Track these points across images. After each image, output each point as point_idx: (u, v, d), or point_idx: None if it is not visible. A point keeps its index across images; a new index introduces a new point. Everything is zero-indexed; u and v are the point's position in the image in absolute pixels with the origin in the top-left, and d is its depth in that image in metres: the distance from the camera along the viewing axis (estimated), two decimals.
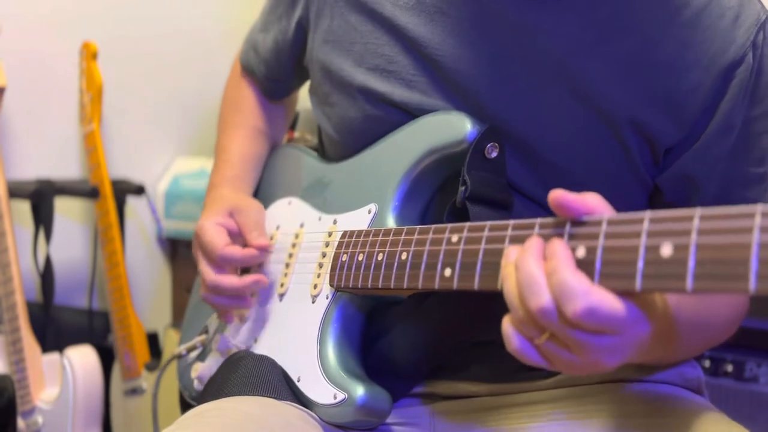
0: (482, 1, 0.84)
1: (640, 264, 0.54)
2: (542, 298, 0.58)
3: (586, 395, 0.87)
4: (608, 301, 0.56)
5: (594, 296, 0.56)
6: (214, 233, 0.95)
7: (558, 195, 0.61)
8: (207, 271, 0.94)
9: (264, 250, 0.95)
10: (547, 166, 0.84)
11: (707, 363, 1.46)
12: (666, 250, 0.53)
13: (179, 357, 1.06)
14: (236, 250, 0.94)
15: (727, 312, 0.83)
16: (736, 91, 0.80)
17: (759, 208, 0.49)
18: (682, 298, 0.70)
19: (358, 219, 0.88)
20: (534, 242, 0.61)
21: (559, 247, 0.59)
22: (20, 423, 1.60)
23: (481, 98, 0.84)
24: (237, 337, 0.96)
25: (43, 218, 1.70)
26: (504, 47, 0.83)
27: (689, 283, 0.51)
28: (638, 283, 0.55)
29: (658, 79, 0.81)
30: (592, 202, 0.61)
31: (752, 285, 0.48)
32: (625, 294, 0.57)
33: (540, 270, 0.59)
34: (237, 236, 0.97)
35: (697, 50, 0.80)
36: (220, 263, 0.94)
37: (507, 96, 0.83)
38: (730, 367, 1.44)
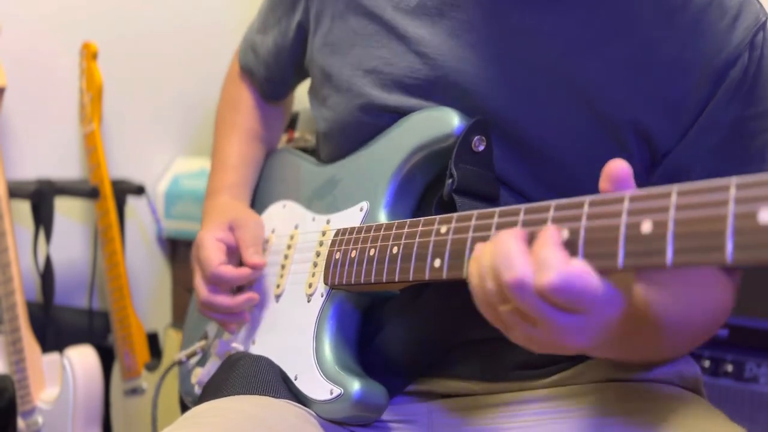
0: (483, 3, 0.84)
1: (621, 242, 0.55)
2: (517, 270, 0.58)
3: (583, 394, 0.87)
4: (585, 276, 0.56)
5: (570, 269, 0.56)
6: (211, 249, 0.95)
7: (617, 166, 0.61)
8: (201, 289, 0.95)
9: (258, 269, 0.95)
10: (544, 164, 0.84)
11: (707, 363, 1.46)
12: (646, 227, 0.54)
13: (180, 363, 1.07)
14: (229, 270, 0.94)
15: (708, 307, 0.82)
16: (725, 91, 0.79)
17: (734, 180, 0.50)
18: (660, 291, 0.70)
19: (351, 217, 0.89)
20: (515, 229, 0.63)
21: (547, 228, 0.60)
22: (20, 423, 1.60)
23: (481, 100, 0.84)
24: (235, 340, 0.96)
25: (43, 218, 1.71)
26: (504, 49, 0.83)
27: (669, 257, 0.52)
28: (620, 261, 0.55)
29: (658, 81, 0.80)
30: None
31: (729, 256, 0.49)
32: (605, 273, 0.57)
33: (517, 244, 0.60)
34: (235, 251, 0.98)
35: (696, 52, 0.80)
36: (213, 280, 0.94)
37: (507, 98, 0.83)
38: (730, 367, 1.44)
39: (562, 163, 0.84)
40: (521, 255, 0.59)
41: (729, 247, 0.49)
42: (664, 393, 0.86)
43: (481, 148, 0.82)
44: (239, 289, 0.97)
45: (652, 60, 0.80)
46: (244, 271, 0.95)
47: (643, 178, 0.84)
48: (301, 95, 1.24)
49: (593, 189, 0.84)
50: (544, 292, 0.57)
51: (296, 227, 0.97)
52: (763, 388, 1.41)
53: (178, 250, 2.06)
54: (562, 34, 0.82)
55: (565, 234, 0.59)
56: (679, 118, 0.81)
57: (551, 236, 0.59)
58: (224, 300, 0.94)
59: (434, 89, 0.86)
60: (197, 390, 0.98)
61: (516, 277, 0.58)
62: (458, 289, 0.81)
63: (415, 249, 0.74)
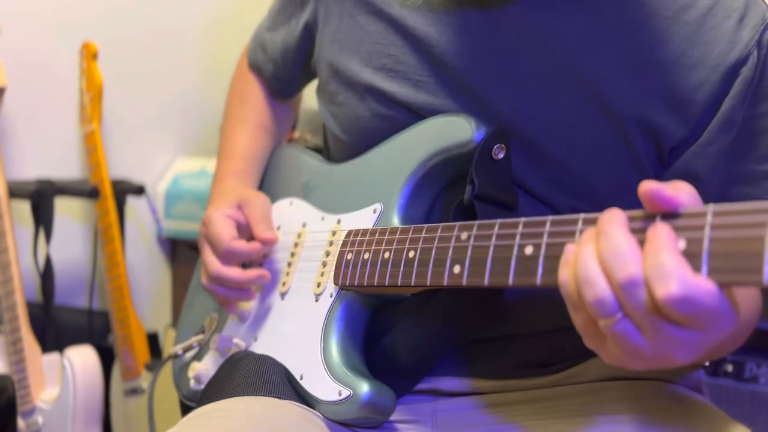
0: (490, 1, 0.85)
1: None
2: (631, 268, 0.54)
3: (587, 393, 0.87)
4: (708, 292, 0.52)
5: (694, 283, 0.52)
6: (222, 225, 0.95)
7: (651, 188, 0.56)
8: (212, 261, 0.95)
9: (270, 244, 0.95)
10: (553, 165, 0.84)
11: (707, 363, 1.46)
12: None
13: (175, 357, 1.06)
14: (242, 244, 0.94)
15: (749, 311, 0.81)
16: (739, 89, 0.80)
17: None
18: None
19: (363, 218, 0.88)
20: (619, 214, 0.58)
21: (663, 230, 0.55)
22: (20, 423, 1.60)
23: (487, 98, 0.85)
24: (236, 336, 0.96)
25: (43, 218, 1.70)
26: (511, 47, 0.84)
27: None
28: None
29: (665, 77, 0.81)
30: (685, 197, 0.57)
31: None
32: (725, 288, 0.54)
33: (630, 240, 0.55)
34: (245, 228, 0.98)
35: (702, 49, 0.80)
36: (226, 256, 0.94)
37: (514, 95, 0.84)
38: (730, 367, 1.44)
39: (569, 162, 0.84)
40: (636, 251, 0.55)
41: None
42: (666, 392, 0.87)
43: (501, 155, 0.82)
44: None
45: (659, 56, 0.81)
46: (256, 245, 0.94)
47: (651, 177, 0.85)
48: (302, 96, 1.24)
49: (602, 190, 0.85)
50: (658, 305, 0.53)
51: (304, 225, 0.97)
52: (763, 388, 1.41)
53: (178, 250, 2.06)
54: (569, 31, 0.82)
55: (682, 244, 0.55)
56: (686, 113, 0.81)
57: (669, 241, 0.54)
58: (236, 273, 0.93)
59: (443, 87, 0.86)
60: (193, 384, 0.97)
61: (631, 275, 0.54)
62: (469, 292, 0.81)
63: (433, 254, 0.74)
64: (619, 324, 0.56)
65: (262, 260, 0.99)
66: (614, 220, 0.57)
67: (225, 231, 0.94)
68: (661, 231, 0.54)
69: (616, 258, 0.55)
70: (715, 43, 0.80)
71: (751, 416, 1.41)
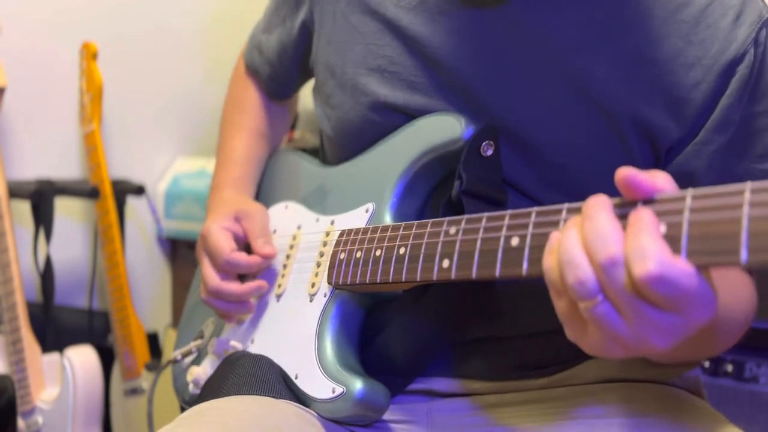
0: (484, 1, 0.85)
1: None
2: (612, 248, 0.54)
3: (582, 395, 0.87)
4: (685, 273, 0.52)
5: (672, 263, 0.52)
6: (220, 237, 0.95)
7: (627, 174, 0.57)
8: (210, 275, 0.95)
9: (269, 259, 0.95)
10: (548, 164, 0.84)
11: (707, 363, 1.46)
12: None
13: (174, 362, 1.07)
14: (242, 257, 0.94)
15: (742, 306, 0.81)
16: (735, 88, 0.80)
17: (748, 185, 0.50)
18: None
19: (356, 218, 0.89)
20: (604, 199, 0.58)
21: (645, 214, 0.55)
22: (20, 423, 1.60)
23: (482, 98, 0.84)
24: (233, 339, 0.96)
25: (43, 218, 1.70)
26: (505, 46, 0.83)
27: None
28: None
29: (660, 76, 0.81)
30: (662, 182, 0.57)
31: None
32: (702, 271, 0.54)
33: (614, 222, 0.55)
34: (242, 241, 0.98)
35: (698, 48, 0.80)
36: (225, 268, 0.94)
37: (509, 95, 0.84)
38: (730, 367, 1.44)
39: (564, 162, 0.84)
40: (619, 233, 0.55)
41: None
42: (662, 394, 0.87)
43: (490, 152, 0.82)
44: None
45: (654, 55, 0.81)
46: (256, 259, 0.94)
47: None
48: (302, 96, 1.24)
49: (598, 189, 0.84)
50: (637, 285, 0.53)
51: (299, 227, 0.97)
52: (763, 388, 1.41)
53: (178, 250, 2.06)
54: (563, 30, 0.82)
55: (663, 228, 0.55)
56: (682, 113, 0.81)
57: (650, 224, 0.54)
58: (234, 287, 0.93)
59: (438, 88, 0.86)
60: (192, 389, 0.97)
61: (612, 255, 0.54)
62: (461, 289, 0.81)
63: (423, 249, 0.74)
64: (600, 307, 0.56)
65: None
66: (599, 205, 0.57)
67: (224, 243, 0.94)
68: (643, 215, 0.55)
69: (599, 240, 0.55)
70: (711, 41, 0.80)
71: (751, 416, 1.40)
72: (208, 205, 1.06)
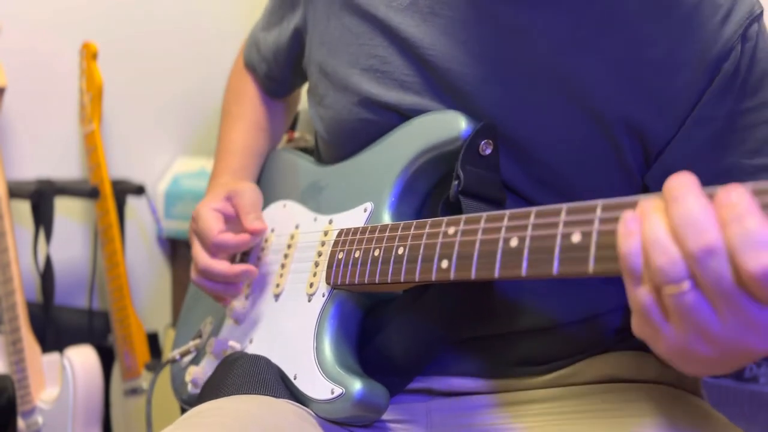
0: (475, 2, 0.84)
1: None
2: (708, 236, 0.48)
3: (582, 395, 0.87)
4: None
5: None
6: (209, 218, 0.95)
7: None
8: (200, 255, 0.95)
9: (258, 234, 0.95)
10: (539, 166, 0.84)
11: None
12: None
13: (173, 362, 1.07)
14: (229, 237, 0.94)
15: None
16: (719, 84, 0.79)
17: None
18: None
19: (354, 218, 0.88)
20: (692, 179, 0.51)
21: (742, 195, 0.48)
22: (20, 423, 1.60)
23: (473, 98, 0.84)
24: (232, 339, 0.96)
25: (43, 218, 1.71)
26: (496, 47, 0.83)
27: None
28: None
29: (650, 78, 0.80)
30: None
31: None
32: None
33: (705, 205, 0.49)
34: (234, 220, 0.98)
35: (688, 49, 0.80)
36: (214, 249, 0.95)
37: (499, 96, 0.83)
38: None
39: (556, 162, 0.84)
40: (712, 217, 0.49)
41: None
42: (664, 393, 0.86)
43: (488, 151, 0.82)
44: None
45: (644, 57, 0.80)
46: (244, 237, 0.95)
47: (637, 178, 0.84)
48: (301, 95, 1.24)
49: (588, 190, 0.84)
50: (743, 278, 0.47)
51: (297, 227, 0.97)
52: (763, 388, 1.41)
53: (178, 250, 2.06)
54: (553, 31, 0.81)
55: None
56: (671, 114, 0.81)
57: (751, 206, 0.47)
58: (223, 266, 0.93)
59: (429, 88, 0.86)
60: (191, 388, 0.97)
61: (709, 243, 0.48)
62: (460, 288, 0.81)
63: (421, 250, 0.74)
64: (688, 295, 0.50)
65: (256, 261, 0.99)
66: (686, 185, 0.51)
67: (212, 224, 0.95)
68: (740, 196, 0.48)
69: (691, 226, 0.49)
70: (700, 41, 0.79)
71: (751, 416, 1.40)
72: (206, 191, 1.07)
